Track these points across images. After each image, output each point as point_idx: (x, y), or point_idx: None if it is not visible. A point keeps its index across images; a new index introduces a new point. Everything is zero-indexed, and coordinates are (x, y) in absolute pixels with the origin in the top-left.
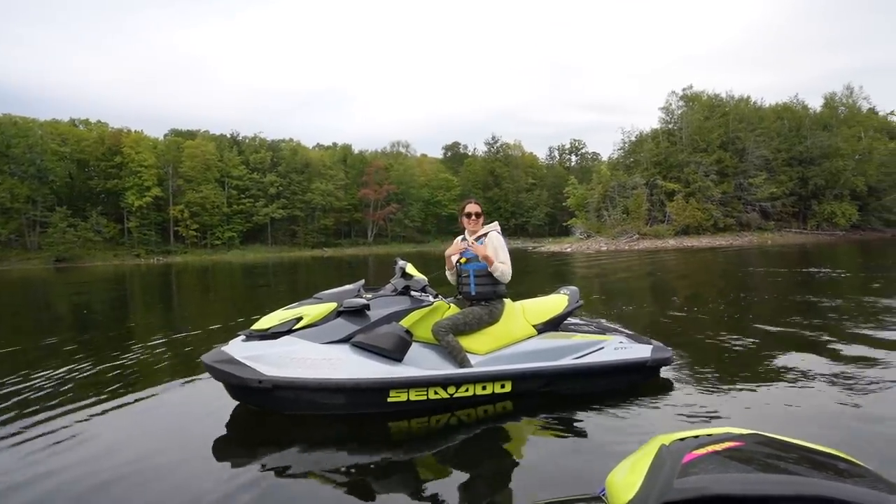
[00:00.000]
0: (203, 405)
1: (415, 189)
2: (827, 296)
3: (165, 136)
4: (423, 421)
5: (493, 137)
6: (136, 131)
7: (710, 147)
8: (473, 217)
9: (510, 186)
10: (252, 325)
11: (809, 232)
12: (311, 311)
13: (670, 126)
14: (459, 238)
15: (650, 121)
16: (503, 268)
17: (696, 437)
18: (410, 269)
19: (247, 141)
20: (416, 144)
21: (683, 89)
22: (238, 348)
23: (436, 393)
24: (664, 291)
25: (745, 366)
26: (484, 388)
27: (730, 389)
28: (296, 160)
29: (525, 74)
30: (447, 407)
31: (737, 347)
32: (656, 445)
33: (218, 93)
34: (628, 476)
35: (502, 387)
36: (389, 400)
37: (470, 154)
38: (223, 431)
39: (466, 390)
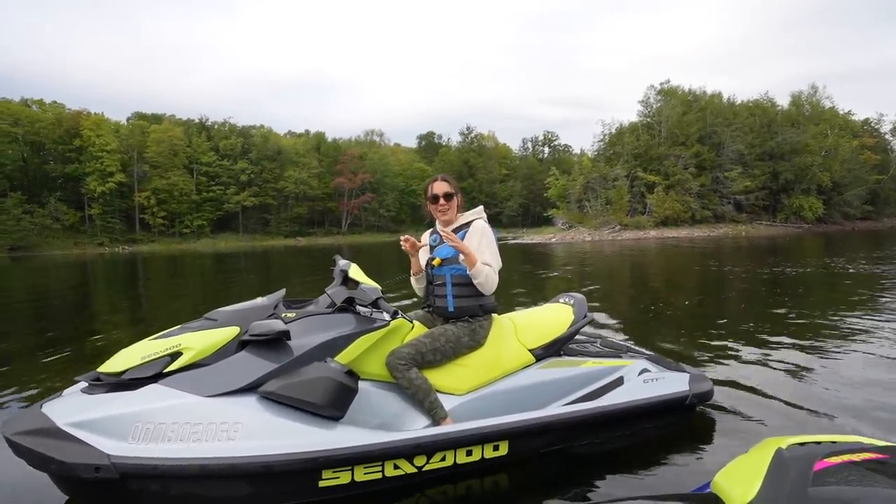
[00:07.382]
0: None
1: (389, 178)
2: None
3: (129, 119)
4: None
5: (468, 128)
6: (96, 114)
7: (688, 141)
8: (442, 201)
9: (484, 177)
10: (115, 358)
11: (779, 224)
12: (195, 340)
13: (649, 119)
14: (428, 233)
15: (618, 116)
16: (488, 271)
17: (819, 442)
18: (356, 272)
19: (216, 126)
20: (389, 134)
21: (661, 84)
22: (66, 407)
23: (396, 468)
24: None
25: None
26: (469, 452)
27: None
28: (267, 147)
29: (499, 71)
30: (413, 484)
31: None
32: (770, 448)
33: (185, 77)
34: (742, 479)
35: (495, 449)
36: (322, 485)
37: (444, 144)
38: None
39: (443, 459)
